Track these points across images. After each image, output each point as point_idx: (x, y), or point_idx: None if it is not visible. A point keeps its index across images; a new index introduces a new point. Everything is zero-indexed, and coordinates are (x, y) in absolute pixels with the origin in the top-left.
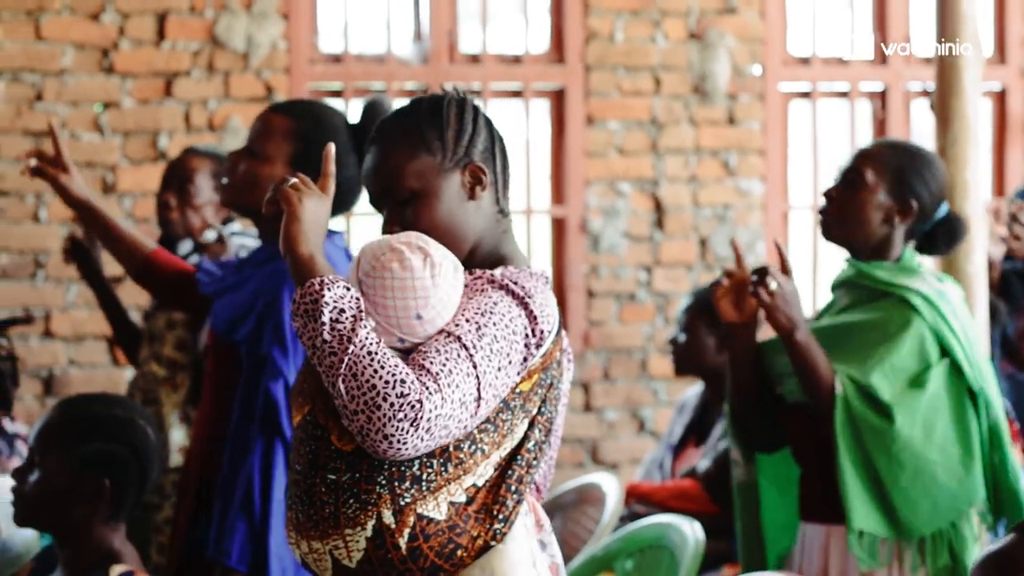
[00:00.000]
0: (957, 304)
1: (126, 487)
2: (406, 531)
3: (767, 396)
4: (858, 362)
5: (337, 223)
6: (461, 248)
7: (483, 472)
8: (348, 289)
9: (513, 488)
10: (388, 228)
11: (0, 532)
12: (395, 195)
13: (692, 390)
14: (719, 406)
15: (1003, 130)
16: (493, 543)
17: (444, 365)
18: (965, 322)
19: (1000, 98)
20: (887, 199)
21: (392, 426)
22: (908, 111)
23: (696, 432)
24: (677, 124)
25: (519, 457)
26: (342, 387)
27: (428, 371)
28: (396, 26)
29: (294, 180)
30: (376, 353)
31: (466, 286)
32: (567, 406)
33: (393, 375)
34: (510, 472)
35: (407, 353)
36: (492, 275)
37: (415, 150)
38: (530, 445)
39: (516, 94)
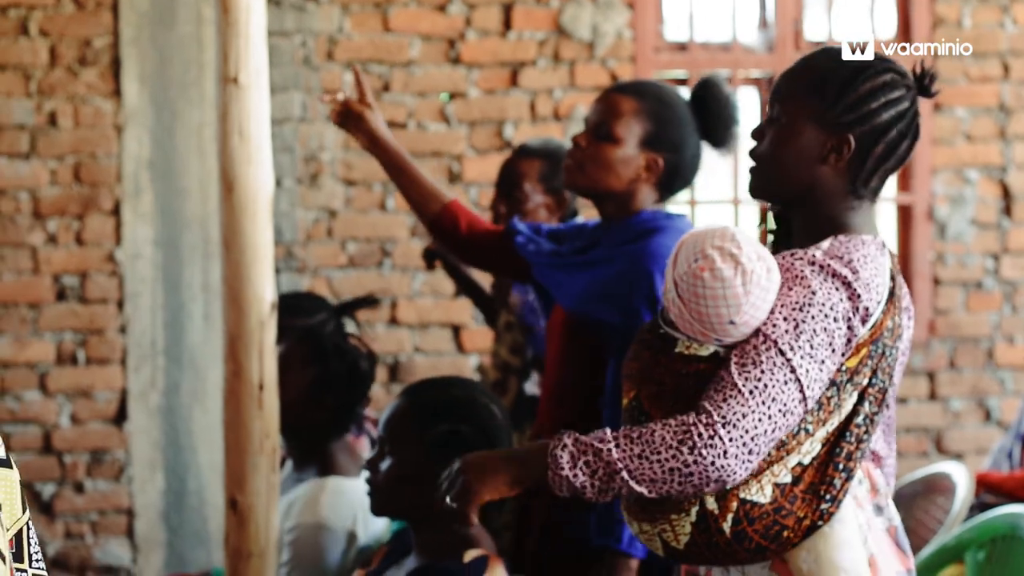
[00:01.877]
0: None
1: None
2: (729, 516)
3: None
4: None
5: (681, 207)
6: (782, 188)
7: (809, 450)
8: (565, 446)
9: (841, 466)
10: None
11: (358, 533)
12: (775, 110)
13: None
14: None
15: None
16: (820, 523)
17: (759, 379)
18: None
19: None
20: None
21: (712, 470)
22: None
23: None
24: None
25: (848, 432)
26: (657, 492)
27: (737, 390)
28: (741, 14)
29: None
30: (642, 450)
31: (785, 271)
32: (914, 395)
33: (675, 443)
34: (838, 449)
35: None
36: (813, 256)
37: (811, 89)
38: (859, 419)
39: None
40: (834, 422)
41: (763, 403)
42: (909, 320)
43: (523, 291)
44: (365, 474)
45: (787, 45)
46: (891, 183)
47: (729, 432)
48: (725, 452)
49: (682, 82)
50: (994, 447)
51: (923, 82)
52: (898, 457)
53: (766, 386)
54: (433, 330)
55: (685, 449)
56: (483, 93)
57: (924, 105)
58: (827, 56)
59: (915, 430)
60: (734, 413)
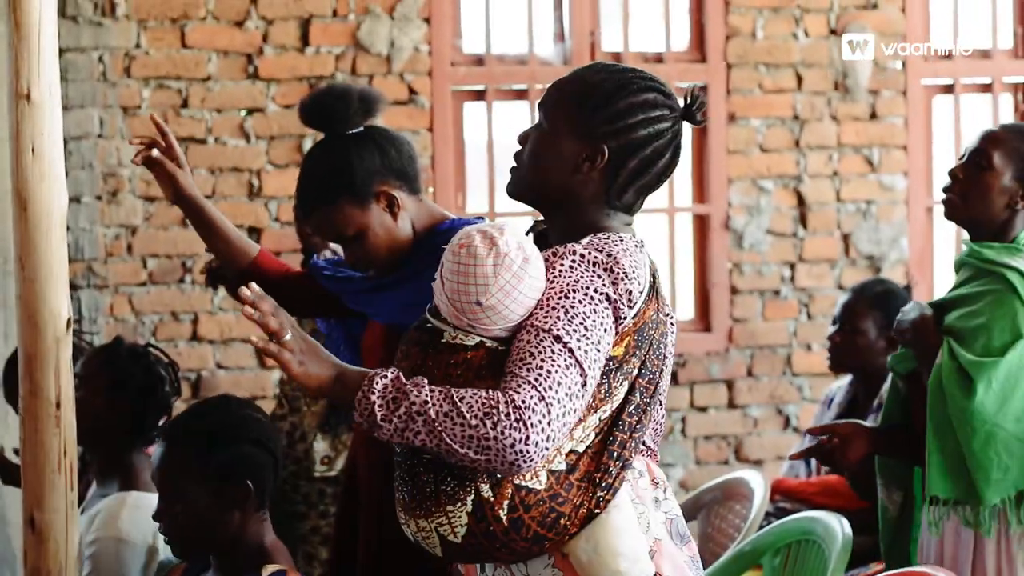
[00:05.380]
0: None
1: (264, 480)
2: (505, 503)
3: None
4: (958, 336)
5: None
6: (539, 192)
7: (582, 437)
8: (384, 376)
9: (616, 455)
10: None
11: (158, 548)
12: (540, 117)
13: (837, 384)
14: (869, 401)
15: None
16: (597, 511)
17: (541, 367)
18: None
19: None
20: (1013, 184)
21: (510, 452)
22: None
23: None
24: (820, 120)
25: (620, 422)
26: (448, 453)
27: (524, 380)
28: (538, 27)
29: (286, 338)
30: (452, 408)
31: (548, 266)
32: (713, 404)
33: (481, 414)
34: (611, 438)
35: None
36: (573, 248)
37: (574, 99)
38: (631, 408)
39: None
40: (606, 410)
41: (550, 388)
42: (672, 327)
43: None
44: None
45: (583, 58)
46: (686, 193)
47: (531, 417)
48: (527, 438)
49: (479, 96)
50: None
51: (691, 108)
52: (698, 465)
53: (549, 372)
54: (235, 345)
55: (488, 423)
56: (281, 108)
57: (719, 116)
58: (596, 70)
59: (714, 438)
60: (530, 398)
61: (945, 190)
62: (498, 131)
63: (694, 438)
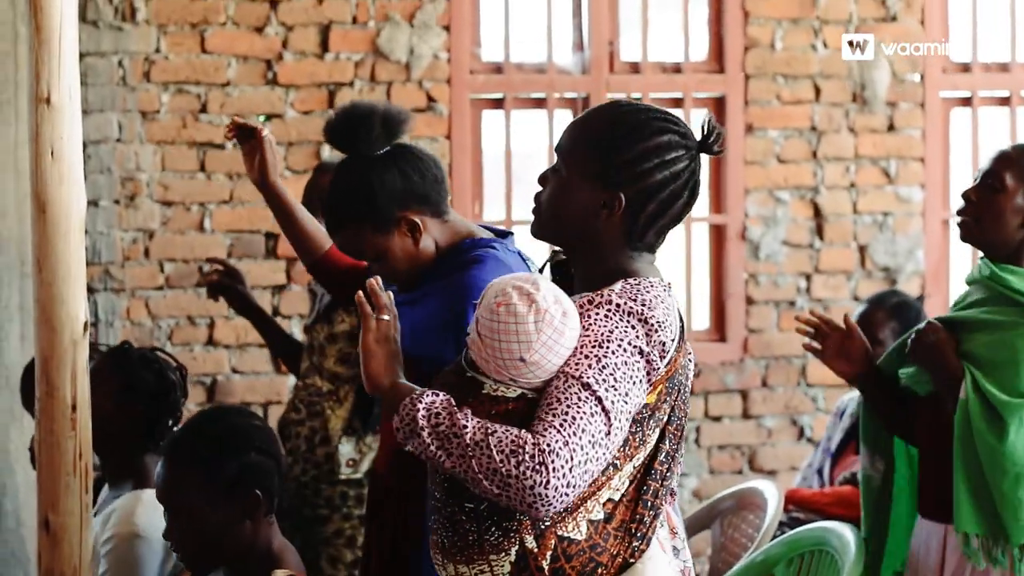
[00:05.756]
0: None
1: (271, 487)
2: (548, 554)
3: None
4: (982, 366)
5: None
6: (560, 235)
7: (618, 486)
8: (436, 395)
9: (649, 504)
10: None
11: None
12: (557, 161)
13: (850, 395)
14: None
15: None
16: (632, 560)
17: (567, 413)
18: None
19: None
20: None
21: (529, 494)
22: None
23: (856, 438)
24: (837, 132)
25: (653, 470)
26: (471, 481)
27: (550, 424)
28: (557, 36)
29: (385, 318)
30: (484, 439)
31: (583, 314)
32: (728, 414)
33: (507, 451)
34: (645, 488)
35: (535, 403)
36: (608, 296)
37: (588, 146)
38: (662, 457)
39: (676, 102)
40: (639, 458)
41: (574, 435)
42: (691, 363)
43: None
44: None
45: (602, 67)
46: (703, 203)
47: (553, 461)
48: (547, 482)
49: (498, 104)
50: (804, 463)
51: (708, 140)
52: (712, 475)
53: (574, 419)
54: (251, 350)
55: (513, 461)
56: (300, 114)
57: (737, 126)
58: (610, 112)
59: (728, 447)
60: (555, 442)
61: (959, 212)
62: (516, 140)
63: (708, 448)
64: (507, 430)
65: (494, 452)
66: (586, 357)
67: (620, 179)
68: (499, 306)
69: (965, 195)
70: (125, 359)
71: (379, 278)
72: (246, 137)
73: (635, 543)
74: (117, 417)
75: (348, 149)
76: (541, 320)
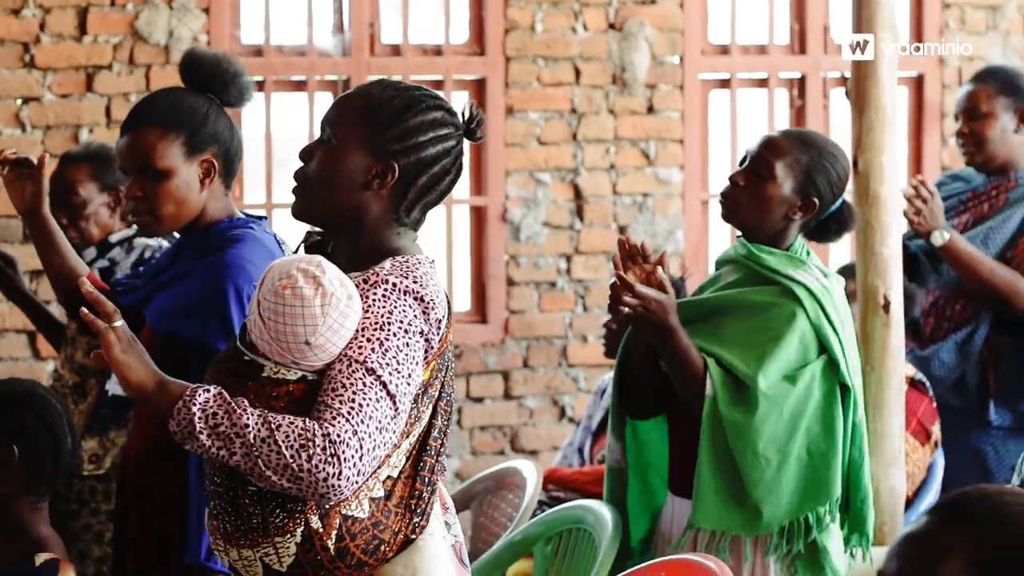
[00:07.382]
0: (839, 299)
1: (39, 457)
2: (333, 532)
3: (655, 365)
4: (739, 349)
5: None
6: (327, 211)
7: (396, 463)
8: (208, 391)
9: (427, 480)
10: None
11: None
12: (325, 132)
13: (611, 375)
14: None
15: (920, 117)
16: (413, 536)
17: (353, 400)
18: (845, 317)
19: (917, 84)
20: (792, 195)
21: (322, 486)
22: (826, 98)
23: None
24: (597, 114)
25: (427, 446)
26: (259, 477)
27: (338, 412)
28: (317, 18)
29: (117, 324)
30: (269, 435)
31: (363, 294)
32: (489, 394)
33: (296, 445)
34: (422, 464)
35: (317, 384)
36: (384, 276)
37: (363, 115)
38: (435, 433)
39: (437, 84)
40: (415, 434)
41: (363, 422)
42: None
43: None
44: None
45: (363, 49)
46: (464, 185)
47: (344, 452)
48: (340, 472)
49: (259, 86)
50: (564, 442)
51: (470, 125)
52: (474, 455)
53: (361, 406)
54: (9, 336)
55: (304, 455)
56: (58, 97)
57: (497, 109)
58: (383, 87)
59: (490, 428)
60: (345, 432)
61: (724, 194)
62: (276, 123)
63: (470, 428)
64: (292, 423)
65: (283, 448)
66: (368, 340)
67: (395, 150)
68: (284, 288)
69: (733, 179)
70: None
71: (91, 285)
72: (20, 167)
73: (415, 519)
74: None
75: (200, 89)
76: (327, 303)
